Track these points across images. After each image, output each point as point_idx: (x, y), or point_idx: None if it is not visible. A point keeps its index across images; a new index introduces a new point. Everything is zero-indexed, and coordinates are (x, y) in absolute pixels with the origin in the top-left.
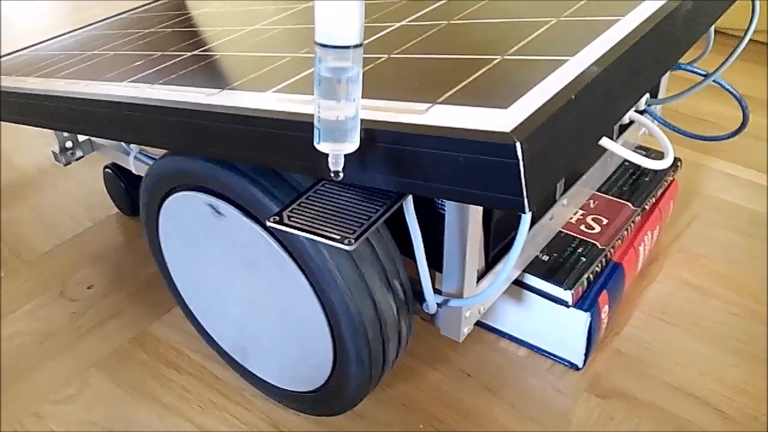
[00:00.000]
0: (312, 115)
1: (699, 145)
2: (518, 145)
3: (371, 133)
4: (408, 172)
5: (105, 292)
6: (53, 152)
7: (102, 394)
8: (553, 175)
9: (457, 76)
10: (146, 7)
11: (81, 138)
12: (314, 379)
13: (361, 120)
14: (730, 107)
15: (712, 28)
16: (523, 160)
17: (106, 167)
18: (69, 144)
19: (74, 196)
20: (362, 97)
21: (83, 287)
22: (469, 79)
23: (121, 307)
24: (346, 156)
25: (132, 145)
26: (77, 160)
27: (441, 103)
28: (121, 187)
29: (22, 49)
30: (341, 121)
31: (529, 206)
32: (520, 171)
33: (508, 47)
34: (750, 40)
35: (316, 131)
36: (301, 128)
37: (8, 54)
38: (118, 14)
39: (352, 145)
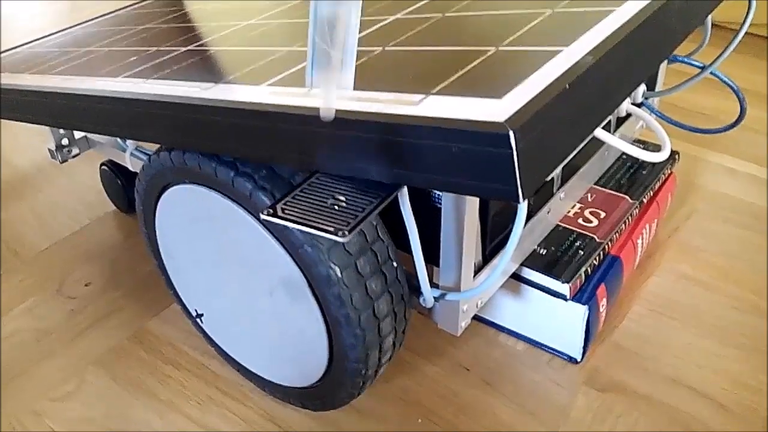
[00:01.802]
0: (307, 108)
1: (697, 138)
2: (511, 134)
3: (365, 124)
4: (402, 163)
5: (103, 289)
6: (49, 149)
7: (100, 391)
8: (548, 165)
9: (452, 67)
10: (141, 3)
11: (77, 135)
12: (311, 374)
13: (355, 111)
14: (727, 100)
15: (709, 20)
16: (516, 149)
17: (102, 164)
18: (65, 141)
19: (71, 194)
20: (357, 89)
21: (81, 284)
22: (464, 70)
23: (119, 304)
24: (340, 147)
25: (128, 142)
26: (74, 157)
27: (435, 93)
28: (118, 184)
29: (18, 47)
30: (335, 56)
31: (523, 196)
32: (513, 160)
33: (503, 38)
34: (747, 33)
35: (308, 68)
36: (295, 121)
37: (4, 51)
38: (113, 11)
39: (347, 80)
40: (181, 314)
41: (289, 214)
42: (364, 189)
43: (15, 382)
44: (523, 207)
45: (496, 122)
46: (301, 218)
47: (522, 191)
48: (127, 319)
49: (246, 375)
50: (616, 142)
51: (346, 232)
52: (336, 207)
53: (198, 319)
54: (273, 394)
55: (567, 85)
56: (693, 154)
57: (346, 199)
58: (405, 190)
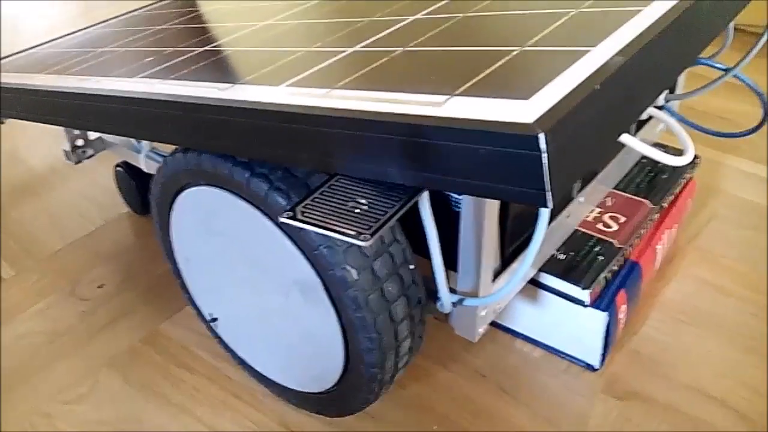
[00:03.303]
0: (327, 108)
1: (716, 142)
2: (542, 136)
3: (387, 126)
4: (426, 166)
5: (116, 291)
6: (64, 151)
7: (113, 393)
8: (576, 169)
9: (475, 67)
10: (156, 5)
11: (92, 136)
12: (326, 379)
13: (378, 113)
14: (745, 103)
15: (731, 23)
16: (547, 151)
17: (117, 166)
18: (80, 142)
19: (85, 195)
20: (378, 90)
21: (94, 286)
22: (488, 71)
23: (132, 306)
24: (362, 149)
25: (143, 143)
26: (88, 158)
27: (459, 95)
28: (132, 186)
29: (34, 47)
30: None
31: (552, 200)
32: (543, 163)
33: (527, 38)
34: None
35: None
36: (314, 122)
37: (20, 51)
38: (128, 12)
39: None
40: (194, 317)
41: (308, 217)
42: (385, 192)
43: (27, 384)
44: (545, 211)
45: (525, 123)
46: (321, 221)
47: (552, 195)
48: (141, 321)
49: (261, 380)
50: (640, 146)
51: (368, 236)
52: (357, 210)
53: (213, 324)
54: (288, 399)
55: (597, 86)
56: (712, 158)
57: (367, 202)
58: (426, 193)
